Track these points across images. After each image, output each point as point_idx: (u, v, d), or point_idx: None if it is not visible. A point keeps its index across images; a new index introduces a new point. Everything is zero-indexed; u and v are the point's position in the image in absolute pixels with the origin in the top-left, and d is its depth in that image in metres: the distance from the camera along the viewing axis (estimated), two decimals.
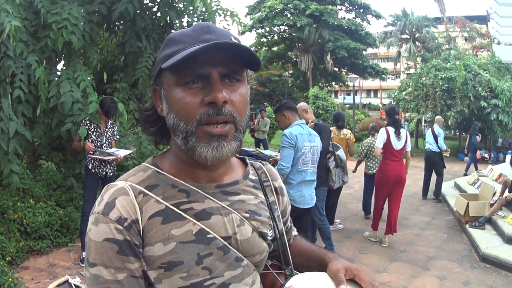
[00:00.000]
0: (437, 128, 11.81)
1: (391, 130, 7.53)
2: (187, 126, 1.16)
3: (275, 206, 1.52)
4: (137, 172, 1.29)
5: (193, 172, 1.28)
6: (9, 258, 5.92)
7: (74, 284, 3.19)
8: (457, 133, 29.09)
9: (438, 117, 12.63)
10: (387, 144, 7.49)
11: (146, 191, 1.21)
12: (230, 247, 1.26)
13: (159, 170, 1.28)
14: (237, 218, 1.30)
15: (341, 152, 7.29)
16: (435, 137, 11.65)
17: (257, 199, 1.41)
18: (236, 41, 1.18)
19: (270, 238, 1.41)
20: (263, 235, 1.37)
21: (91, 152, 6.41)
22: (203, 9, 7.76)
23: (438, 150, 11.66)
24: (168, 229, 1.18)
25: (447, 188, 12.76)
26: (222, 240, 1.24)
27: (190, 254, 1.18)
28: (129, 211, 1.15)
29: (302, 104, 7.29)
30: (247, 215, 1.33)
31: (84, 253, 6.25)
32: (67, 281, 3.19)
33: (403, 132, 7.66)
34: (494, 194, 8.92)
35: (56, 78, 6.75)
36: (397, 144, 7.52)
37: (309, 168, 5.71)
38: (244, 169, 1.48)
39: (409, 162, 8.35)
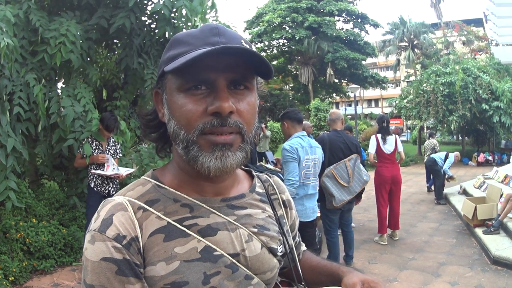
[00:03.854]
0: (451, 158, 12.74)
1: (379, 136, 8.38)
2: (188, 135, 1.08)
3: (284, 220, 1.45)
4: (136, 187, 1.21)
5: (197, 184, 1.20)
6: (12, 278, 5.86)
7: None
8: (460, 138, 29.10)
9: (457, 152, 13.46)
10: (378, 149, 8.32)
11: (146, 207, 1.13)
12: (238, 264, 1.18)
13: (160, 184, 1.20)
14: (245, 234, 1.22)
15: None
16: (445, 159, 12.76)
17: (264, 213, 1.33)
18: (247, 46, 1.11)
19: (280, 253, 1.33)
20: (272, 251, 1.29)
21: (94, 168, 6.38)
22: (201, 25, 7.75)
23: (441, 165, 12.71)
24: (171, 247, 1.10)
25: (453, 193, 12.83)
26: (229, 257, 1.16)
27: (196, 273, 1.10)
28: (128, 228, 1.07)
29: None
30: (255, 230, 1.26)
31: None
32: None
33: (391, 137, 8.40)
34: (501, 195, 8.85)
35: (56, 96, 6.74)
36: (385, 149, 8.31)
37: (311, 182, 5.54)
38: (250, 181, 1.41)
39: (401, 160, 9.06)
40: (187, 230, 1.13)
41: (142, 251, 1.08)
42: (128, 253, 1.05)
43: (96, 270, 1.02)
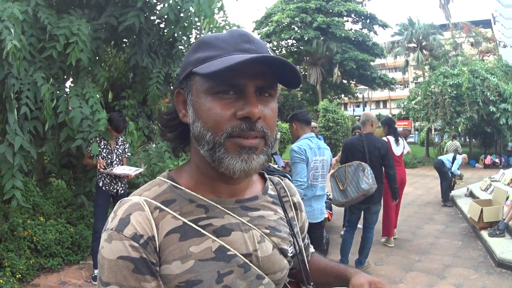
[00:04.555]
0: (459, 159, 12.69)
1: (391, 139, 8.40)
2: (215, 137, 1.11)
3: (294, 222, 1.48)
4: (152, 187, 1.23)
5: (213, 185, 1.24)
6: (19, 275, 5.90)
7: None
8: (467, 140, 29.00)
9: (464, 155, 13.50)
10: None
11: (162, 207, 1.16)
12: (251, 264, 1.22)
13: (176, 184, 1.23)
14: (257, 235, 1.25)
15: None
16: (453, 160, 12.65)
17: (276, 215, 1.37)
18: (272, 54, 1.15)
19: (291, 254, 1.36)
20: (283, 252, 1.32)
21: (103, 167, 6.41)
22: (211, 25, 7.79)
23: (449, 167, 12.63)
24: (186, 246, 1.13)
25: (460, 195, 12.79)
26: (242, 257, 1.20)
27: (210, 272, 1.13)
28: (145, 227, 1.10)
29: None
30: (268, 231, 1.29)
31: (96, 271, 6.25)
32: None
33: (400, 139, 8.64)
34: (507, 198, 8.83)
35: (65, 95, 6.77)
36: (397, 151, 8.41)
37: (319, 183, 5.55)
38: (263, 184, 1.44)
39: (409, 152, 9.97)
40: (202, 230, 1.16)
41: (158, 250, 1.11)
42: (145, 252, 1.07)
43: (113, 268, 1.05)
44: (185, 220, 1.16)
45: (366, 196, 6.22)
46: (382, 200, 7.04)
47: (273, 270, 1.28)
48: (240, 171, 1.11)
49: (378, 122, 7.44)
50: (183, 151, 1.35)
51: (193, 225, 1.16)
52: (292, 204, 1.51)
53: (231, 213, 1.22)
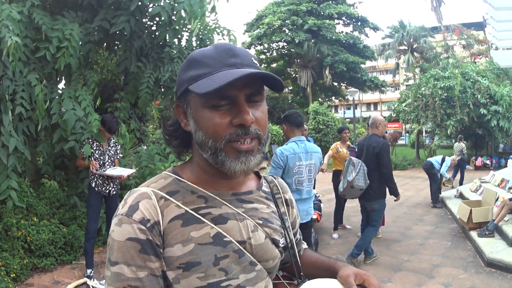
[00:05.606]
0: (447, 161, 12.74)
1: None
2: (216, 144, 1.23)
3: (286, 217, 1.59)
4: (158, 180, 1.35)
5: (213, 180, 1.35)
6: (13, 274, 5.95)
7: (92, 286, 3.28)
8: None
9: (453, 156, 13.83)
10: None
11: (167, 196, 1.28)
12: (244, 251, 1.32)
13: (179, 178, 1.35)
14: (251, 224, 1.36)
15: None
16: (442, 162, 12.68)
17: (269, 208, 1.48)
18: (256, 62, 1.29)
19: (282, 245, 1.46)
20: (275, 242, 1.43)
21: (96, 169, 6.43)
22: (201, 28, 7.82)
23: (438, 169, 12.68)
24: (187, 231, 1.24)
25: (449, 196, 12.88)
26: (237, 244, 1.30)
27: (208, 255, 1.23)
28: (151, 213, 1.21)
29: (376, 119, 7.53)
30: (260, 222, 1.39)
31: (88, 271, 6.29)
32: (85, 283, 3.28)
33: None
34: (497, 199, 8.91)
35: (58, 97, 6.82)
36: None
37: (305, 187, 5.57)
38: (258, 181, 1.56)
39: None
40: (202, 218, 1.27)
41: (162, 234, 1.22)
42: (151, 235, 1.19)
43: (122, 248, 1.17)
44: (187, 209, 1.27)
45: (354, 188, 6.73)
46: (383, 200, 7.23)
47: (265, 258, 1.38)
48: (240, 171, 1.25)
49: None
50: (186, 154, 1.47)
51: (194, 213, 1.27)
52: (283, 201, 1.63)
53: (228, 204, 1.34)
